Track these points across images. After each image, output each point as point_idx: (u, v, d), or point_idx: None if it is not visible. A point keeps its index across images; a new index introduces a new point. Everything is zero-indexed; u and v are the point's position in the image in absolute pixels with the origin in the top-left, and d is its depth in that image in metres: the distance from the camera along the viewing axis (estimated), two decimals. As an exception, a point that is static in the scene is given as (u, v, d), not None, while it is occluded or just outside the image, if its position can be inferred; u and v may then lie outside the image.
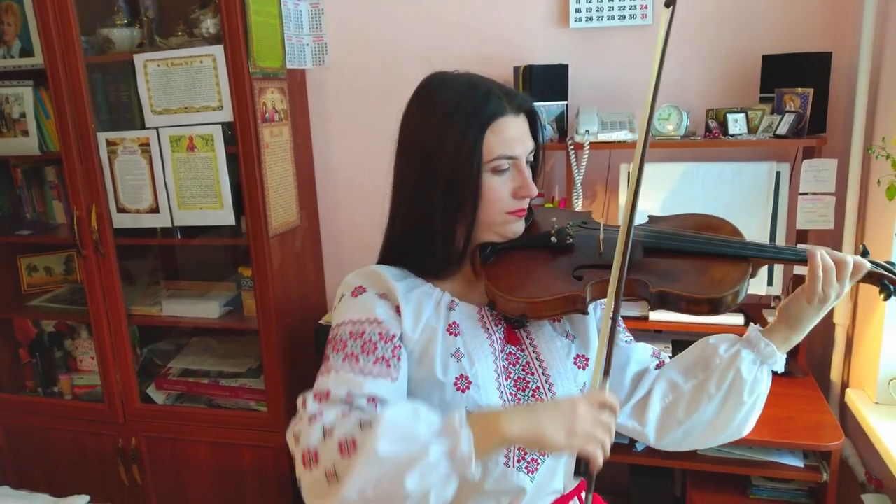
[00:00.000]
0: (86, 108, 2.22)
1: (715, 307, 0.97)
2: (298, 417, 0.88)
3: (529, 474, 1.01)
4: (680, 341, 2.16)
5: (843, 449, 1.93)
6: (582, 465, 0.85)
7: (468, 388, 0.97)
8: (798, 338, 1.03)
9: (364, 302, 1.00)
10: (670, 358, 1.17)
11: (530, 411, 0.84)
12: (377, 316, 0.97)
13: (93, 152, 2.25)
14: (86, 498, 2.21)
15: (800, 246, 1.03)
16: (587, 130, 2.04)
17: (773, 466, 1.85)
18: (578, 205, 2.13)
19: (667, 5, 0.98)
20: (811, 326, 1.02)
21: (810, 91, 1.92)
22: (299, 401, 0.91)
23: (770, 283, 2.06)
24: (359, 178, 2.56)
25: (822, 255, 0.98)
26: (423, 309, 1.01)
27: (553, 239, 1.05)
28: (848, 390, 2.01)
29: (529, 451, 0.99)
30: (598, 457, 0.83)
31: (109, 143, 2.25)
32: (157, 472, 2.53)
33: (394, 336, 0.97)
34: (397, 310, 1.00)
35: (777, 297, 2.10)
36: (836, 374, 2.10)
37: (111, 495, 2.40)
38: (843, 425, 1.93)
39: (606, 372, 0.90)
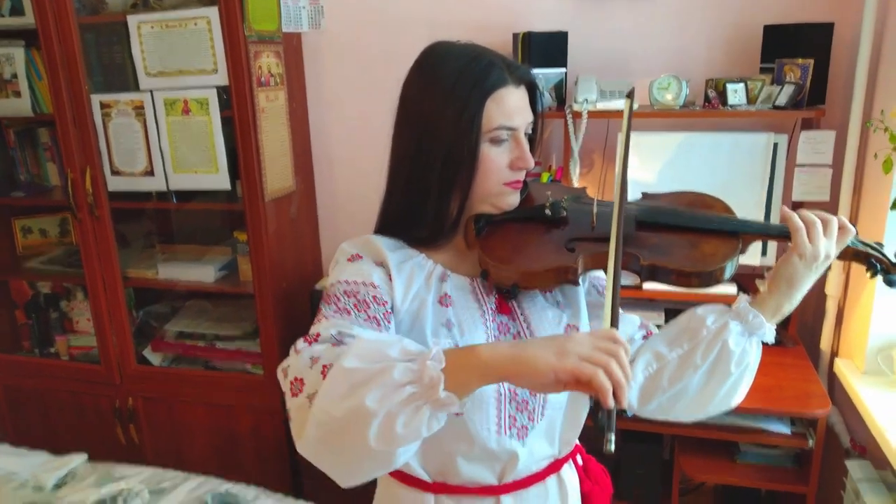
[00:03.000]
0: (79, 70, 2.19)
1: (704, 281, 0.98)
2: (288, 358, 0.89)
3: (520, 440, 1.03)
4: (673, 310, 2.18)
5: (830, 416, 1.97)
6: (591, 400, 0.75)
7: None
8: (789, 306, 1.02)
9: (360, 267, 1.01)
10: (659, 328, 1.18)
11: (517, 342, 0.82)
12: (373, 280, 0.98)
13: (86, 114, 2.23)
14: (84, 456, 2.24)
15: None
16: (586, 99, 2.03)
17: (761, 433, 1.89)
18: (576, 173, 2.12)
19: (627, 97, 0.98)
20: (803, 292, 1.01)
21: (811, 62, 1.91)
22: (291, 350, 0.92)
23: (764, 253, 2.08)
24: (355, 144, 2.55)
25: (805, 213, 0.98)
26: (413, 280, 1.02)
27: (547, 211, 1.06)
28: (837, 360, 2.05)
29: (514, 383, 0.85)
30: (599, 378, 0.73)
31: (103, 105, 2.23)
32: (154, 432, 2.57)
33: (386, 302, 0.98)
34: (389, 278, 1.01)
35: (770, 269, 2.12)
36: (825, 344, 2.13)
37: (109, 454, 2.43)
38: (830, 394, 1.97)
39: (614, 321, 0.85)
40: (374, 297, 0.97)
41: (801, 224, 0.97)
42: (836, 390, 2.07)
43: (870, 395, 1.80)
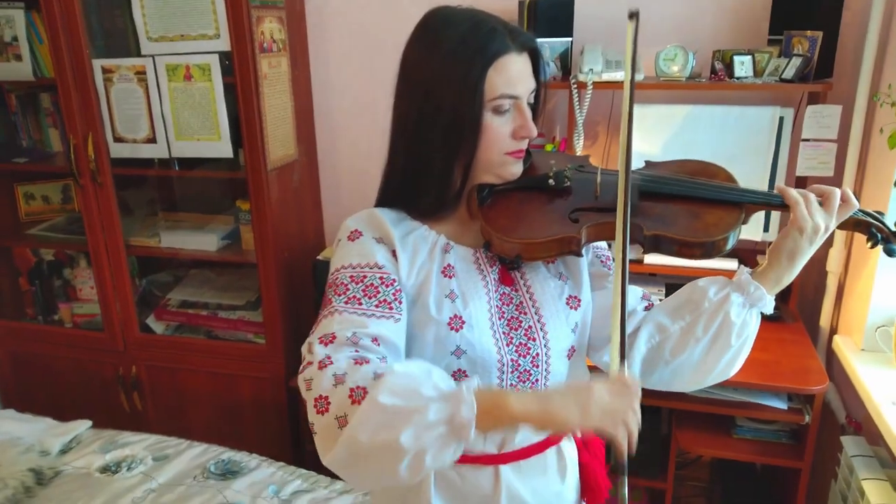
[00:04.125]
0: (80, 34, 2.17)
1: (707, 251, 0.99)
2: (307, 362, 0.89)
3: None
4: (673, 284, 2.18)
5: (827, 393, 1.98)
6: (611, 456, 0.82)
7: (461, 327, 0.99)
8: (789, 278, 1.03)
9: (362, 246, 1.00)
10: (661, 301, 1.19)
11: (542, 394, 0.85)
12: (377, 261, 0.98)
13: (88, 80, 2.22)
14: (88, 423, 2.27)
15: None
16: (591, 69, 2.01)
17: (758, 408, 1.90)
18: (580, 145, 2.11)
19: (630, 18, 0.95)
20: (803, 263, 1.01)
21: (819, 34, 1.88)
22: (304, 348, 0.92)
23: (766, 228, 2.07)
24: (358, 113, 2.53)
25: (793, 189, 0.99)
26: (418, 253, 1.01)
27: (551, 181, 1.05)
28: (836, 337, 2.05)
29: (540, 430, 0.93)
30: (621, 435, 0.81)
31: (105, 70, 2.21)
32: (158, 400, 2.59)
33: (394, 280, 0.97)
34: (394, 254, 1.00)
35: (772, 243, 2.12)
36: (825, 321, 2.13)
37: (113, 420, 2.47)
38: (828, 370, 1.97)
39: (623, 356, 0.89)
40: (382, 279, 0.97)
41: (798, 197, 0.98)
42: (833, 367, 2.08)
43: (867, 372, 1.81)
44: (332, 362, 0.86)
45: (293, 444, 2.49)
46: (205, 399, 2.54)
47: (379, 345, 0.91)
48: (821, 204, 0.99)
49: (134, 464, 2.05)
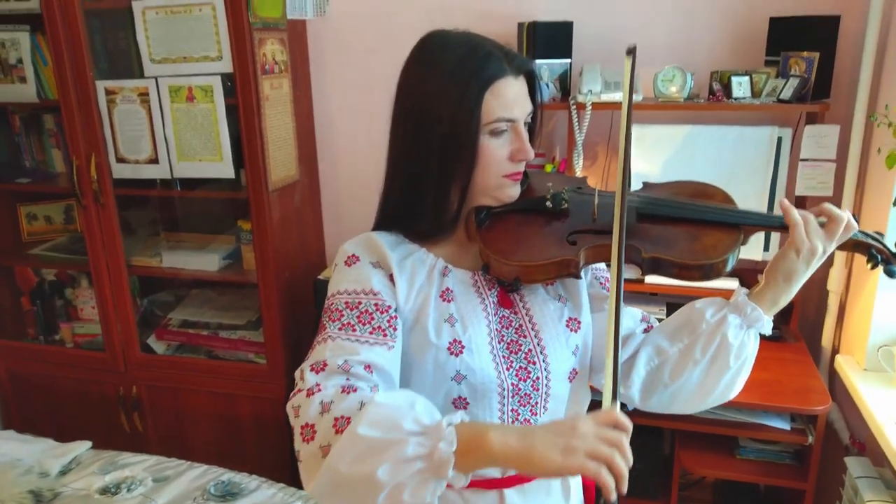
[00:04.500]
0: (84, 56, 2.19)
1: (706, 274, 0.98)
2: (297, 389, 0.89)
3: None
4: (674, 304, 2.17)
5: (830, 413, 1.97)
6: (601, 501, 0.79)
7: (461, 352, 0.99)
8: (786, 299, 1.02)
9: (358, 272, 1.00)
10: (660, 322, 1.18)
11: (525, 429, 0.83)
12: (373, 287, 0.98)
13: (91, 101, 2.23)
14: (88, 444, 2.26)
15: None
16: (590, 90, 2.03)
17: (761, 428, 1.89)
18: (579, 166, 2.12)
19: (628, 53, 0.94)
20: (800, 284, 1.01)
21: (816, 55, 1.90)
22: (297, 374, 0.92)
23: (766, 248, 2.07)
24: (359, 134, 2.55)
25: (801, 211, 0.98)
26: (416, 276, 1.01)
27: (548, 203, 1.05)
28: (838, 356, 2.04)
29: (520, 472, 0.89)
30: (603, 476, 0.75)
31: (108, 91, 2.23)
32: (158, 420, 2.58)
33: (390, 307, 0.97)
34: (391, 278, 1.00)
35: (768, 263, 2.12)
36: (826, 341, 2.13)
37: (113, 441, 2.46)
38: (831, 390, 1.96)
39: (615, 395, 0.85)
40: (377, 306, 0.96)
41: (799, 219, 0.97)
42: (836, 387, 2.07)
43: (869, 392, 1.80)
44: (320, 390, 0.86)
45: (293, 465, 2.46)
46: (205, 419, 2.53)
47: (371, 372, 0.91)
48: (822, 225, 0.98)
49: (134, 485, 2.03)
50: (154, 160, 2.27)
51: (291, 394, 0.90)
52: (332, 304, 0.98)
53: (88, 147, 2.29)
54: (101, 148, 2.28)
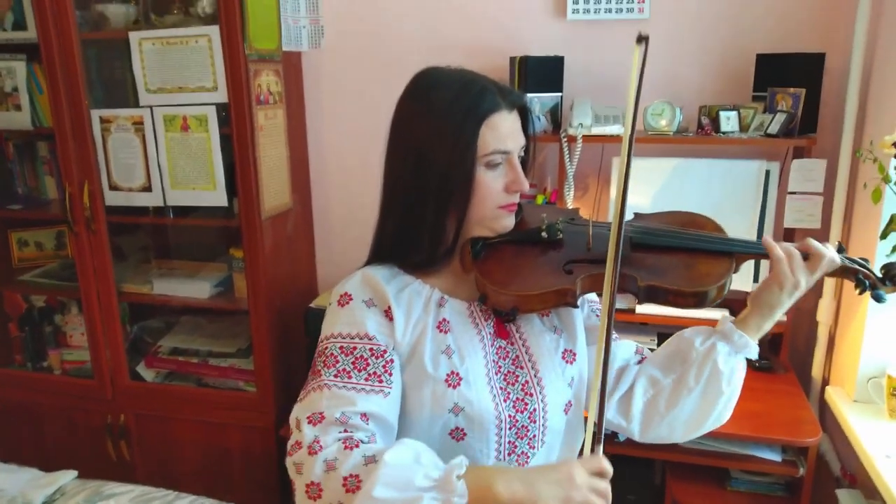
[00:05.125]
0: (79, 85, 2.21)
1: (700, 301, 1.00)
2: (296, 442, 0.89)
3: (520, 466, 1.03)
4: (665, 334, 2.17)
5: (821, 444, 1.97)
6: None
7: (459, 384, 0.99)
8: (769, 325, 1.06)
9: (352, 314, 1.00)
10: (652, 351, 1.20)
11: (528, 477, 0.86)
12: (367, 331, 0.98)
13: (86, 129, 2.24)
14: (74, 473, 2.22)
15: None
16: (581, 123, 2.05)
17: (752, 460, 1.89)
18: (570, 197, 2.14)
19: (638, 42, 0.98)
20: (782, 312, 1.04)
21: (802, 91, 1.94)
22: (293, 421, 0.92)
23: (755, 279, 2.09)
24: (353, 164, 2.57)
25: (780, 244, 1.02)
26: (413, 308, 1.02)
27: (543, 234, 1.07)
28: (828, 388, 2.05)
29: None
30: None
31: (103, 120, 2.24)
32: (146, 449, 2.55)
33: (385, 351, 0.98)
34: (387, 312, 1.00)
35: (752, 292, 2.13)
36: (817, 372, 2.14)
37: (99, 471, 2.41)
38: (821, 421, 1.97)
39: (599, 439, 0.91)
40: (372, 350, 0.97)
41: (782, 255, 1.00)
42: (826, 418, 2.07)
43: (860, 424, 1.81)
44: (321, 447, 0.86)
45: (282, 495, 2.44)
46: (194, 448, 2.50)
47: (368, 422, 0.91)
48: (805, 258, 1.01)
49: (119, 516, 2.00)
50: (147, 188, 2.27)
51: (289, 445, 0.90)
52: (327, 348, 0.98)
53: (81, 174, 2.29)
54: (95, 175, 2.29)
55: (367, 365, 0.95)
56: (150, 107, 2.19)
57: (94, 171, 2.28)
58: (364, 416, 0.91)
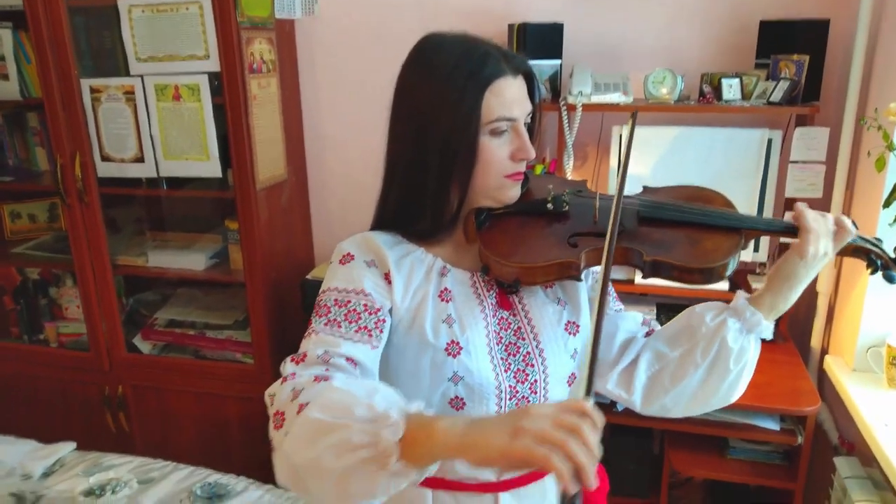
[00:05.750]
0: (68, 53, 2.16)
1: (707, 277, 0.99)
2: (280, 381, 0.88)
3: None
4: (664, 305, 2.18)
5: (819, 413, 1.98)
6: (562, 497, 0.67)
7: (459, 353, 0.98)
8: (785, 304, 1.03)
9: (351, 271, 0.99)
10: (659, 324, 1.18)
11: (478, 417, 0.82)
12: (364, 287, 0.97)
13: (76, 99, 2.20)
14: (72, 444, 2.23)
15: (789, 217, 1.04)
16: (580, 92, 2.02)
17: (750, 429, 1.89)
18: (569, 167, 2.11)
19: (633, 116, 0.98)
20: (801, 289, 1.02)
21: (806, 58, 1.90)
22: (281, 367, 0.92)
23: (756, 249, 2.08)
24: (348, 133, 2.53)
25: (811, 211, 0.99)
26: (414, 275, 1.01)
27: (549, 206, 1.05)
28: (827, 357, 2.05)
29: (467, 461, 0.74)
30: (553, 462, 0.65)
31: (93, 90, 2.20)
32: (144, 420, 2.55)
33: (379, 309, 0.97)
34: (387, 277, 0.99)
35: (762, 264, 2.12)
36: (816, 342, 2.14)
37: (97, 442, 2.42)
38: (820, 391, 1.97)
39: (588, 391, 0.74)
40: (366, 306, 0.96)
41: (813, 226, 0.97)
42: (825, 387, 2.08)
43: (858, 393, 1.81)
44: (294, 377, 0.85)
45: (281, 466, 2.45)
46: (192, 420, 2.51)
47: (354, 365, 0.90)
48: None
49: (119, 487, 2.01)
50: (140, 159, 2.24)
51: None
52: (322, 300, 0.98)
53: (73, 145, 2.26)
54: (86, 146, 2.25)
55: (359, 318, 0.94)
56: (141, 76, 2.15)
57: (85, 142, 2.25)
58: (349, 359, 0.90)
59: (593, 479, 0.65)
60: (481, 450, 0.70)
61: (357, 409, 0.75)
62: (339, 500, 0.77)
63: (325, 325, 0.94)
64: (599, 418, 0.69)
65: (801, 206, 1.00)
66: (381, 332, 0.96)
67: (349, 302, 0.96)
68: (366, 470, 0.74)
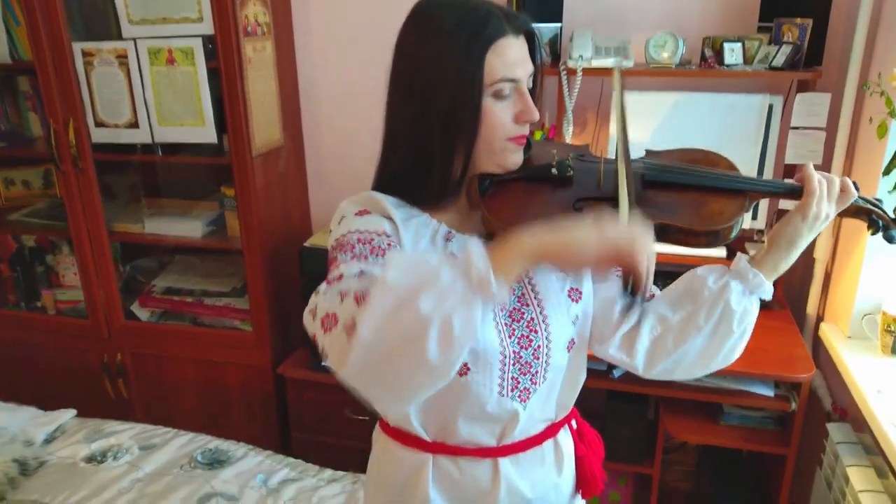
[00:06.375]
0: (58, 15, 2.12)
1: (712, 240, 0.99)
2: (312, 301, 0.86)
3: (522, 402, 1.03)
4: (662, 272, 2.17)
5: (813, 380, 1.99)
6: (629, 281, 0.82)
7: None
8: (785, 265, 1.03)
9: (369, 219, 0.97)
10: (659, 290, 1.18)
11: (550, 226, 0.82)
12: (386, 230, 0.95)
13: (68, 63, 2.17)
14: (73, 411, 2.25)
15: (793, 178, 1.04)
16: (580, 56, 1.99)
17: (745, 395, 1.91)
18: (569, 132, 2.10)
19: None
20: (801, 249, 1.02)
21: (809, 21, 1.87)
22: (312, 299, 0.89)
23: (755, 217, 2.07)
24: (344, 98, 2.49)
25: (817, 173, 0.98)
26: (420, 238, 1.00)
27: (554, 171, 1.03)
28: (822, 324, 2.06)
29: (555, 267, 0.93)
30: (641, 259, 0.80)
31: (85, 53, 2.16)
32: (143, 387, 2.57)
33: (402, 250, 0.95)
34: (398, 233, 0.98)
35: (760, 231, 2.12)
36: (812, 309, 2.15)
37: (97, 408, 2.45)
38: (814, 358, 1.99)
39: (631, 206, 0.90)
40: (390, 245, 0.94)
41: (817, 188, 0.96)
42: (820, 354, 2.09)
43: (853, 360, 1.82)
44: (335, 283, 0.83)
45: (280, 432, 2.48)
46: (191, 386, 2.52)
47: None
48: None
49: (120, 453, 2.03)
50: (134, 124, 2.21)
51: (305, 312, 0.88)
52: (345, 240, 0.94)
53: (66, 111, 2.23)
54: (79, 112, 2.22)
55: (384, 254, 0.91)
56: (134, 39, 2.11)
57: (78, 107, 2.22)
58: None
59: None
60: (573, 249, 0.80)
61: (431, 260, 0.78)
62: (445, 351, 0.74)
63: (352, 258, 0.90)
64: (652, 230, 0.85)
65: (808, 166, 0.99)
66: None
67: (373, 240, 0.93)
68: (465, 303, 0.75)
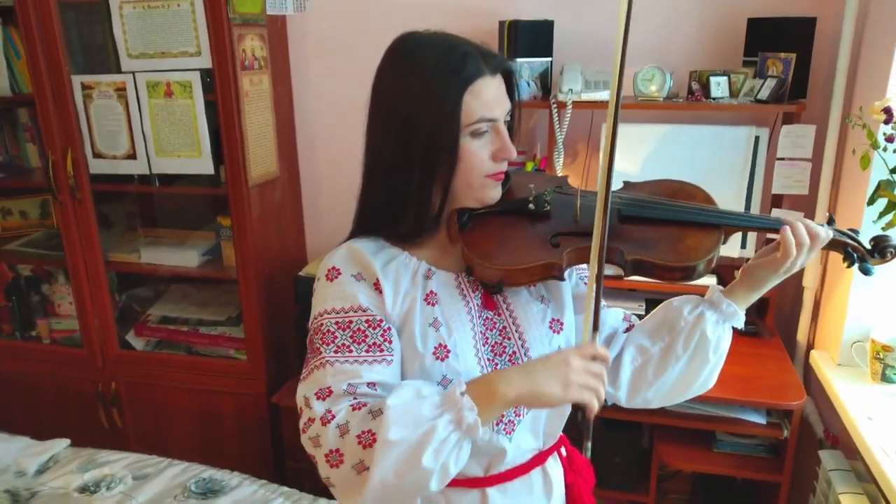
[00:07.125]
0: (59, 49, 2.16)
1: (688, 275, 1.00)
2: (308, 419, 0.90)
3: (507, 435, 1.04)
4: (654, 300, 2.20)
5: (805, 407, 2.00)
6: (579, 414, 0.91)
7: (447, 356, 0.98)
8: (756, 296, 1.09)
9: (342, 287, 0.99)
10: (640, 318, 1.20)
11: (524, 371, 0.89)
12: (360, 303, 0.97)
13: (67, 95, 2.20)
14: (66, 441, 2.24)
15: (775, 213, 1.07)
16: (570, 89, 2.03)
17: (737, 423, 1.92)
18: (560, 163, 2.13)
19: None
20: (770, 287, 1.07)
21: (793, 56, 1.92)
22: (300, 400, 0.93)
23: (743, 246, 2.10)
24: (340, 130, 2.54)
25: (799, 230, 0.99)
26: (401, 280, 1.01)
27: (531, 206, 1.05)
28: (813, 352, 2.08)
29: (528, 408, 1.05)
30: (594, 404, 0.88)
31: (84, 86, 2.20)
32: (137, 417, 2.56)
33: (381, 321, 0.97)
34: (376, 286, 0.99)
35: (749, 260, 2.15)
36: (802, 336, 2.17)
37: (91, 438, 2.43)
38: (805, 385, 2.00)
39: (595, 327, 0.95)
40: (368, 322, 0.96)
41: (793, 253, 0.99)
42: (811, 381, 2.11)
43: (843, 387, 1.84)
44: (333, 416, 0.88)
45: (275, 461, 2.47)
46: (185, 416, 2.52)
47: (377, 389, 0.92)
48: None
49: (113, 483, 2.02)
50: (132, 155, 2.24)
51: (301, 424, 0.91)
52: (322, 325, 0.97)
53: (64, 142, 2.26)
54: (78, 143, 2.25)
55: (366, 337, 0.95)
56: (133, 72, 2.15)
57: (76, 138, 2.25)
58: (371, 384, 0.92)
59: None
60: (543, 400, 0.88)
61: (424, 411, 0.85)
62: (442, 485, 0.86)
63: (336, 352, 0.94)
64: (608, 354, 0.94)
65: (785, 232, 0.99)
66: (390, 342, 0.96)
67: (351, 322, 0.96)
68: (458, 449, 0.85)
